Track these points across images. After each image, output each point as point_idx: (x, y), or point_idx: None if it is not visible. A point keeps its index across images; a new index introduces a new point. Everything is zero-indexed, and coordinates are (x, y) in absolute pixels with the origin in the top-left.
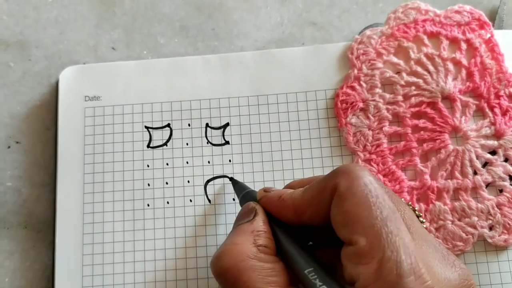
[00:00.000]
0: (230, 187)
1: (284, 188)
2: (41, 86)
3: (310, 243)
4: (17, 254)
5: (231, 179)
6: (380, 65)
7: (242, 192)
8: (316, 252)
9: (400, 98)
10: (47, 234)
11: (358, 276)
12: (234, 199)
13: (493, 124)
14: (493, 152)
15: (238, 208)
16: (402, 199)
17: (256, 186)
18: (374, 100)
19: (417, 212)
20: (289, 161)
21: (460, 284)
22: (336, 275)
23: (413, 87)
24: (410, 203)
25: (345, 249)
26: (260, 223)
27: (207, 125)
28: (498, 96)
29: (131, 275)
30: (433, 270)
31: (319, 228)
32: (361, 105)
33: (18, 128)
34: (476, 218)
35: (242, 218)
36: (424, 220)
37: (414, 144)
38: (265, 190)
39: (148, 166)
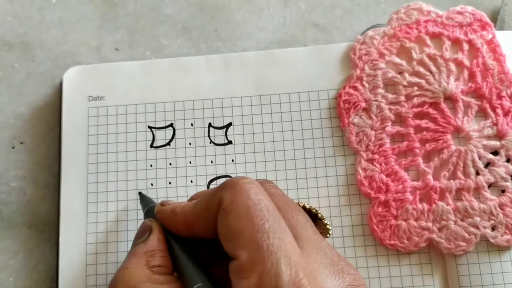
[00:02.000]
0: None
1: (188, 200)
2: (45, 86)
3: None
4: (21, 254)
5: (140, 193)
6: (382, 65)
7: (146, 207)
8: (220, 267)
9: (402, 98)
10: (51, 234)
11: None
12: None
13: (495, 124)
14: (495, 153)
15: None
16: (305, 203)
17: None
18: (376, 100)
19: (320, 215)
20: (292, 161)
21: None
22: None
23: (416, 88)
24: (312, 206)
25: (231, 264)
26: (154, 242)
27: (210, 125)
28: (500, 97)
29: None
30: (316, 279)
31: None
32: (363, 105)
33: (22, 128)
34: (478, 219)
35: (138, 239)
36: (328, 222)
37: (417, 144)
38: (162, 204)
39: (151, 166)
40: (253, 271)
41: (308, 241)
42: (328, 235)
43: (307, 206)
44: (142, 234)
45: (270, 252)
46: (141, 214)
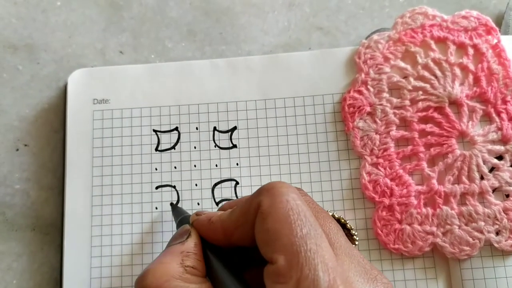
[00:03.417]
0: (238, 191)
1: (217, 210)
2: (49, 89)
3: (246, 265)
4: (25, 256)
5: (171, 204)
6: (387, 69)
7: (180, 217)
8: (251, 273)
9: (407, 102)
10: (55, 236)
11: None
12: None
13: (500, 129)
14: (500, 157)
15: None
16: (334, 213)
17: None
18: (381, 104)
19: (348, 226)
20: (296, 165)
21: None
22: None
23: (420, 92)
24: (342, 217)
25: (267, 268)
26: (191, 244)
27: (214, 128)
28: (505, 102)
29: None
30: (352, 285)
31: (253, 249)
32: (368, 109)
33: (27, 131)
34: (483, 223)
35: (175, 240)
36: (356, 233)
37: (421, 149)
38: (197, 214)
39: (156, 169)
40: (290, 276)
41: (341, 249)
42: (354, 246)
43: (336, 216)
44: (180, 236)
45: (308, 257)
46: (146, 217)
